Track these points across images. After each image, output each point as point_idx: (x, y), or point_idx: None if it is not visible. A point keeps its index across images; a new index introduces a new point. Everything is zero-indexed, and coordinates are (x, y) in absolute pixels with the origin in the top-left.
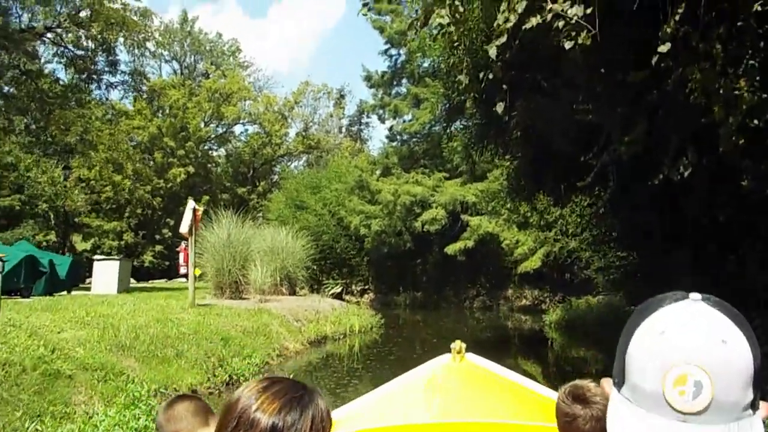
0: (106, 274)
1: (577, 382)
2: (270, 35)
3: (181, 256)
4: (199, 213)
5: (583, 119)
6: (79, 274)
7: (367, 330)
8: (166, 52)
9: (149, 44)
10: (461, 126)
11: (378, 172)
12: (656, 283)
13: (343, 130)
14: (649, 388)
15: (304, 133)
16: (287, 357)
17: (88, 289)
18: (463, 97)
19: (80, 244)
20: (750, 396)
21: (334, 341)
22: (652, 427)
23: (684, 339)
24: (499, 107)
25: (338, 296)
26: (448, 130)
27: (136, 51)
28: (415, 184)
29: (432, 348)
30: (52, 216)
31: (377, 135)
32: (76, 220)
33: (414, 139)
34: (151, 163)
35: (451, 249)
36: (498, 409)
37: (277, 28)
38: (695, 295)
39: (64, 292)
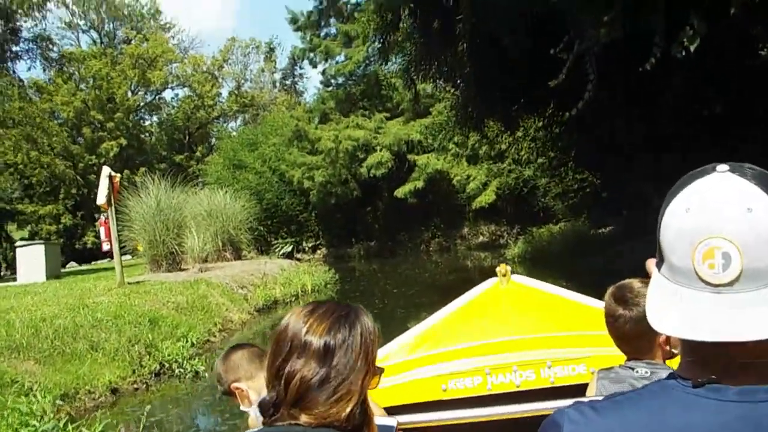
0: (30, 260)
1: (623, 282)
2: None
3: (102, 231)
4: (117, 180)
5: (540, 9)
6: None
7: (320, 288)
8: (82, 22)
9: (59, 11)
10: (399, 59)
11: (316, 120)
12: (621, 199)
13: (277, 84)
14: (682, 265)
15: (236, 92)
16: (231, 330)
17: (15, 279)
18: (397, 14)
19: (17, 233)
20: None
21: (286, 305)
22: (685, 302)
23: (708, 213)
24: None
25: (289, 256)
26: (384, 56)
27: (37, 14)
28: (356, 127)
29: (393, 298)
30: None
31: (313, 86)
32: (9, 207)
33: (350, 81)
34: (81, 139)
35: (400, 192)
36: (548, 324)
37: None
38: (722, 167)
39: None
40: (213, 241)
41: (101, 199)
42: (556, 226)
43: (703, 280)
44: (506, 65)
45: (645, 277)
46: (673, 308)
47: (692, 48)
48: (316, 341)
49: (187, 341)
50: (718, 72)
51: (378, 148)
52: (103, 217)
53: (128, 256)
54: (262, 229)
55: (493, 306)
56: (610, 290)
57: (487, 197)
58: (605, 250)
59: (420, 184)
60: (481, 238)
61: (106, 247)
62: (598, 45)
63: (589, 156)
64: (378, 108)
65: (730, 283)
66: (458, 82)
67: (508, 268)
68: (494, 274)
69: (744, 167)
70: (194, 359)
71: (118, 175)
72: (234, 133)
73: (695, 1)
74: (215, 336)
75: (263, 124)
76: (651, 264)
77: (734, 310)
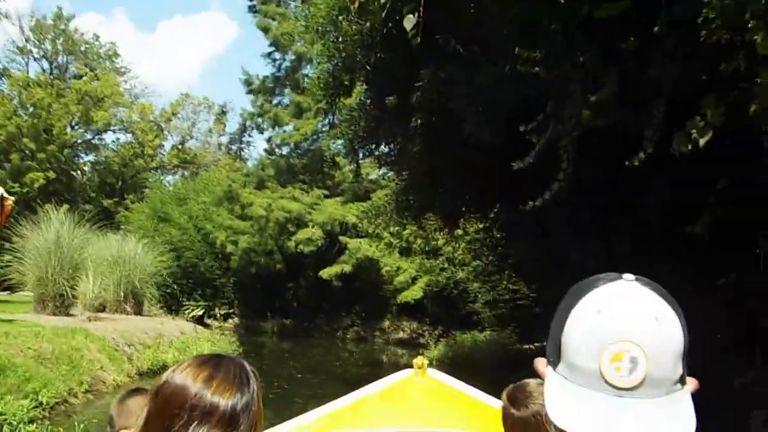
0: None
1: (520, 382)
2: (157, 52)
3: None
4: (9, 203)
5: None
6: None
7: None
8: (35, 50)
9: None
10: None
11: (252, 185)
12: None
13: (223, 147)
14: (586, 365)
15: (180, 147)
16: (101, 393)
17: None
18: (352, 79)
19: None
20: (680, 371)
21: None
22: (588, 403)
23: (620, 317)
24: (408, 22)
25: (200, 320)
26: (331, 118)
27: None
28: (291, 199)
29: (296, 384)
30: None
31: (257, 154)
32: None
33: (294, 153)
34: (7, 165)
35: (326, 273)
36: (454, 420)
37: (165, 45)
38: (629, 276)
39: None
40: (114, 290)
41: None
42: (481, 333)
43: (607, 383)
44: (460, 154)
45: None
46: (576, 408)
47: (702, 142)
48: (224, 403)
49: (38, 397)
50: (718, 179)
51: (310, 224)
52: None
53: (28, 291)
54: (175, 287)
55: (403, 396)
56: (506, 389)
57: (414, 293)
58: (531, 366)
59: (348, 268)
60: (401, 334)
61: None
62: (578, 129)
63: (530, 268)
64: (317, 184)
65: (634, 388)
66: (404, 167)
67: (425, 361)
68: None
69: (645, 279)
70: (35, 424)
71: (11, 198)
72: (168, 186)
73: (709, 86)
74: (77, 397)
75: (197, 180)
76: (540, 363)
77: (636, 415)
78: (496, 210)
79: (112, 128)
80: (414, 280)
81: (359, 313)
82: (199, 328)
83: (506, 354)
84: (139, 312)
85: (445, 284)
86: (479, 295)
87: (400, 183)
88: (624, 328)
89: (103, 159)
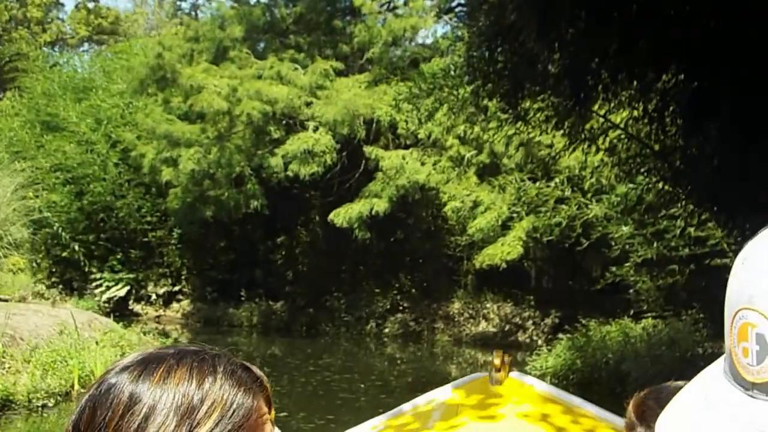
0: None
1: (653, 387)
2: None
3: None
4: None
5: None
6: None
7: None
8: None
9: None
10: None
11: (204, 57)
12: None
13: (166, 5)
14: (726, 343)
15: (89, 7)
16: None
17: None
18: None
19: None
20: None
21: (33, 414)
22: (711, 397)
23: (755, 272)
24: None
25: (122, 304)
26: None
27: None
28: (276, 79)
29: None
30: None
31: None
32: None
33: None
34: None
35: (341, 215)
36: None
37: None
38: None
39: None
40: None
41: None
42: (637, 324)
43: (737, 370)
44: None
45: None
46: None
47: None
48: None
49: None
50: None
51: (310, 124)
52: None
53: None
54: (76, 248)
55: (476, 408)
56: (636, 394)
57: (506, 248)
58: None
59: (382, 205)
60: (483, 325)
61: None
62: None
63: (738, 195)
64: (323, 51)
65: (765, 384)
66: None
67: (508, 358)
68: None
69: None
70: None
71: None
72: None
73: None
74: None
75: (112, 56)
76: None
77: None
78: (670, 76)
79: None
80: (506, 224)
81: (408, 288)
82: (103, 319)
83: (685, 359)
84: None
85: (566, 230)
86: (632, 249)
87: (478, 29)
88: (750, 290)
89: None
